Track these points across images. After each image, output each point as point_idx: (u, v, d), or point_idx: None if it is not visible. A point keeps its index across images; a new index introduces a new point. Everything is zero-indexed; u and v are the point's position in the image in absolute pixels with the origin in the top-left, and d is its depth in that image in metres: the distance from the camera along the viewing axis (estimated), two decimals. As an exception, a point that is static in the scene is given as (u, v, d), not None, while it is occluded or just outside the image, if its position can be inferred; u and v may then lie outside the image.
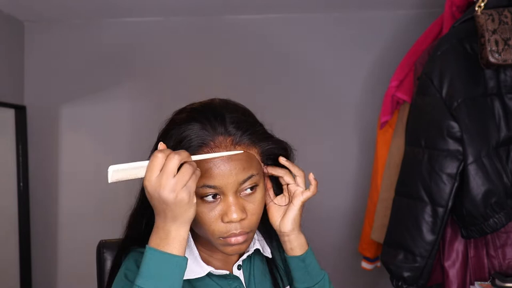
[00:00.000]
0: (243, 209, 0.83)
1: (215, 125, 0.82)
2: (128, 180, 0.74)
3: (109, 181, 0.73)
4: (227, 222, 0.82)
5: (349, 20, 2.53)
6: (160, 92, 2.58)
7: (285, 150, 0.90)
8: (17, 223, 2.55)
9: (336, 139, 2.55)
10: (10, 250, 2.52)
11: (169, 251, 0.75)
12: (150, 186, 0.72)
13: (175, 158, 0.72)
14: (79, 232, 2.59)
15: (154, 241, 0.76)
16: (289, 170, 0.91)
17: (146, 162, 0.74)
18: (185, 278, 0.86)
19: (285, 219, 0.91)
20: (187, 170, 0.73)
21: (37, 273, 2.62)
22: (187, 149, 0.81)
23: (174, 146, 0.82)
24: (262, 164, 0.88)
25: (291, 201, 0.91)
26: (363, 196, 2.39)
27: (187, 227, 0.76)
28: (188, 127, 0.82)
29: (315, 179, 0.90)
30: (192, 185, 0.74)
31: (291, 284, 0.99)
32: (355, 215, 2.49)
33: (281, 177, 0.91)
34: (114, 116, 2.61)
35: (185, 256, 0.77)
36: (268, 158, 0.89)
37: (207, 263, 0.91)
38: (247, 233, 0.84)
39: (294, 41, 2.55)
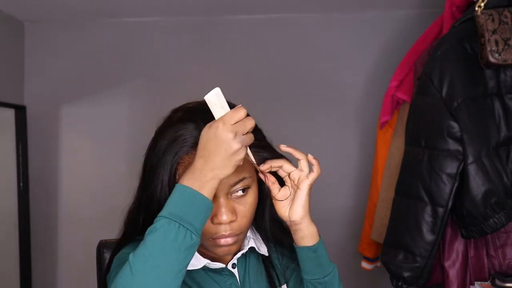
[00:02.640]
0: (233, 211, 0.84)
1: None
2: (212, 110, 0.77)
3: (206, 96, 0.76)
4: (217, 223, 0.83)
5: (349, 20, 2.53)
6: (159, 92, 2.58)
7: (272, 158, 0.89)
8: (17, 223, 2.55)
9: (336, 139, 2.55)
10: (10, 250, 2.52)
11: (200, 191, 0.73)
12: (223, 127, 0.73)
13: (253, 122, 0.76)
14: (79, 232, 2.59)
15: (187, 181, 0.74)
16: (287, 159, 0.89)
17: (228, 109, 0.76)
18: None
19: (294, 206, 0.88)
20: (251, 137, 0.77)
21: (37, 273, 2.62)
22: (181, 148, 0.81)
23: (169, 143, 0.82)
24: (256, 167, 0.86)
25: (298, 187, 0.88)
26: (363, 196, 2.39)
27: (217, 183, 0.75)
28: (183, 127, 0.83)
29: (315, 158, 0.88)
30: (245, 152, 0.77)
31: (288, 281, 1.00)
32: (355, 215, 2.49)
33: (281, 167, 0.88)
34: (114, 116, 2.61)
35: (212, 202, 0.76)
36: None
37: (204, 257, 0.91)
38: (237, 235, 0.85)
39: (294, 41, 2.55)
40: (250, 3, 2.37)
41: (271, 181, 0.90)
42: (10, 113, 2.54)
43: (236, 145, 0.73)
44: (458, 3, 1.69)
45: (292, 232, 0.91)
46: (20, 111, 2.57)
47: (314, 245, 0.90)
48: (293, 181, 0.89)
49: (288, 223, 0.91)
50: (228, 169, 0.74)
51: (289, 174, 0.89)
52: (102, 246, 1.12)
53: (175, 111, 0.89)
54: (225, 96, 0.77)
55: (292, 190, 0.89)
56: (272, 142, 0.93)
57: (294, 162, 0.90)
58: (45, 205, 2.63)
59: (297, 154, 0.87)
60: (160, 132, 0.86)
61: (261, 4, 2.39)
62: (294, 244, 0.92)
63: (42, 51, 2.63)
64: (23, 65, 2.63)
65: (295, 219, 0.89)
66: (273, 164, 0.87)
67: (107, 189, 2.57)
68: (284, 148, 0.88)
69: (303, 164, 0.87)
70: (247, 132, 0.75)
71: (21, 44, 2.62)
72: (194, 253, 0.74)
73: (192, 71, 2.57)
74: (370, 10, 2.48)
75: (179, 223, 0.71)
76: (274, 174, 0.91)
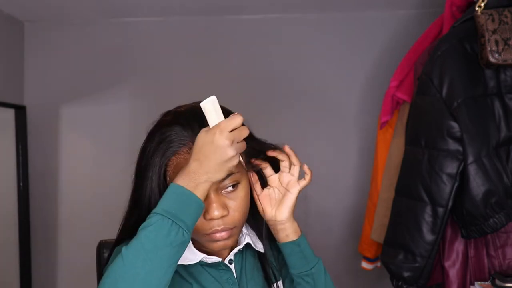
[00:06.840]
0: (224, 206, 0.86)
1: (194, 126, 0.85)
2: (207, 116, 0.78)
3: (202, 103, 0.77)
4: (209, 219, 0.85)
5: (349, 20, 2.53)
6: (159, 92, 2.58)
7: (274, 149, 0.93)
8: (17, 223, 2.55)
9: (336, 139, 2.55)
10: (10, 250, 2.52)
11: (193, 192, 0.76)
12: (220, 134, 0.75)
13: (248, 131, 0.78)
14: (79, 232, 2.59)
15: (181, 181, 0.76)
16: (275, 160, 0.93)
17: (223, 117, 0.78)
18: (179, 263, 0.88)
19: (282, 207, 0.93)
20: (244, 145, 0.79)
21: (37, 273, 2.61)
22: (167, 149, 0.85)
23: (156, 145, 0.85)
24: (243, 164, 0.89)
25: (288, 190, 0.93)
26: (363, 196, 2.39)
27: (209, 186, 0.78)
28: (170, 129, 0.86)
29: (309, 169, 0.94)
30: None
31: (284, 279, 1.01)
32: (355, 215, 2.49)
33: (282, 160, 0.93)
34: (114, 116, 2.61)
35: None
36: (257, 156, 0.92)
37: (200, 252, 0.92)
38: (231, 229, 0.87)
39: (294, 41, 2.55)
40: (250, 3, 2.37)
41: (254, 180, 0.94)
42: (10, 113, 2.54)
43: (231, 152, 0.76)
44: (458, 3, 1.69)
45: (276, 232, 0.96)
46: (20, 111, 2.57)
47: (297, 239, 0.95)
48: (283, 184, 0.94)
49: (272, 222, 0.95)
50: (221, 174, 0.78)
51: (279, 177, 0.94)
52: (102, 246, 1.12)
53: (165, 115, 0.92)
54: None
55: (278, 191, 0.94)
56: (270, 141, 0.95)
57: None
58: (45, 205, 2.63)
59: (294, 159, 0.93)
60: (150, 136, 0.89)
61: (261, 4, 2.39)
62: (278, 243, 0.96)
63: (42, 51, 2.62)
64: (23, 65, 2.62)
65: (281, 219, 0.94)
66: (277, 155, 0.92)
67: (107, 189, 2.56)
68: (287, 149, 0.93)
69: (295, 170, 0.93)
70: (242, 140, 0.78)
71: (21, 44, 2.61)
72: (184, 251, 0.77)
73: (191, 70, 2.57)
74: (370, 10, 2.48)
75: (172, 220, 0.73)
76: (258, 173, 0.95)
